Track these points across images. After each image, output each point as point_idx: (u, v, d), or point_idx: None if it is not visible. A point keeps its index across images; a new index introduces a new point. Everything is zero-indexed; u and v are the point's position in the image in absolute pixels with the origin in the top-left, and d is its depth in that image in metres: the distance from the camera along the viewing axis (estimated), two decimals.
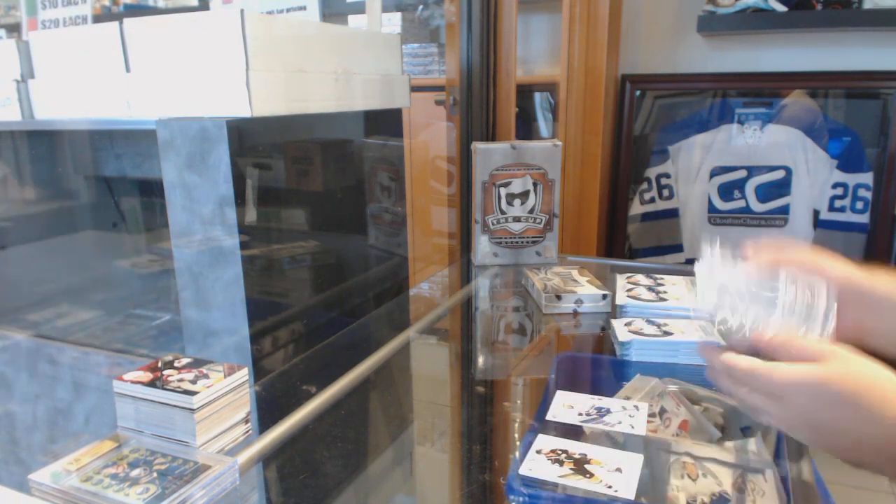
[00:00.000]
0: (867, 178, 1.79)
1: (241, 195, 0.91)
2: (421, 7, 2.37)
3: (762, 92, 1.91)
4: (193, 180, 0.92)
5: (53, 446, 1.21)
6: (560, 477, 0.63)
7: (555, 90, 2.00)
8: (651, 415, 0.75)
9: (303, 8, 1.23)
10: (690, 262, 1.97)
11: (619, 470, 0.64)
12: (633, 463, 0.65)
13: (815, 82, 1.87)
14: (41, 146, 1.35)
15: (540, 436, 0.70)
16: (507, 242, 1.41)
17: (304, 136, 1.10)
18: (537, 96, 2.21)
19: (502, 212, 1.39)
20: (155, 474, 0.62)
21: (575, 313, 1.13)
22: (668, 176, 2.01)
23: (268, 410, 0.84)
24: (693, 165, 1.99)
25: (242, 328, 0.94)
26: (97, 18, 1.42)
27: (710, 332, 0.95)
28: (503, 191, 1.38)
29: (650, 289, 1.14)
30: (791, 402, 0.53)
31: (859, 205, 1.80)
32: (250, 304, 0.94)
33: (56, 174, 1.37)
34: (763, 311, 0.60)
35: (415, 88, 1.40)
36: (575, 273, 1.26)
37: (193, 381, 0.69)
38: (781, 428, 0.57)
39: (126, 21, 0.96)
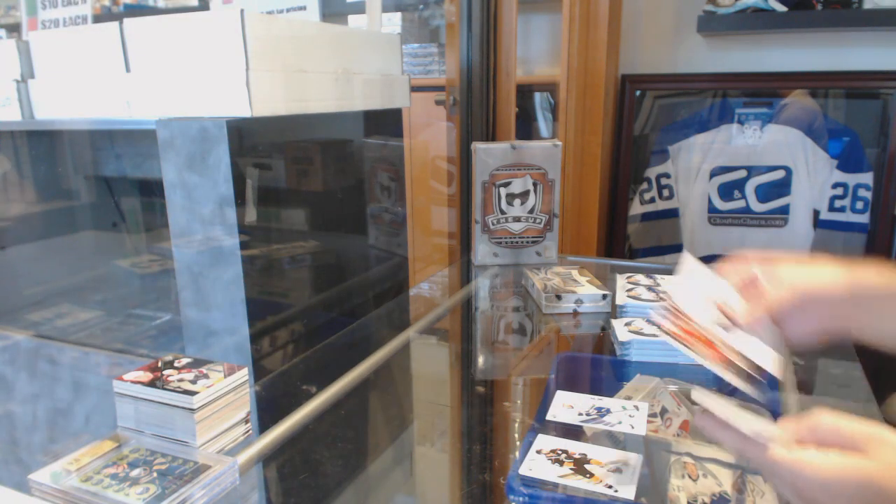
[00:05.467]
0: (867, 178, 1.79)
1: (241, 195, 0.91)
2: (421, 7, 2.37)
3: (762, 92, 1.91)
4: (193, 180, 0.92)
5: (53, 446, 1.21)
6: (560, 477, 0.63)
7: (555, 90, 1.99)
8: (652, 415, 0.75)
9: (303, 8, 1.23)
10: None
11: (619, 470, 0.64)
12: (633, 463, 0.65)
13: (815, 82, 1.87)
14: (41, 146, 1.35)
15: (540, 436, 0.70)
16: (507, 242, 1.41)
17: (304, 136, 1.10)
18: (537, 96, 2.21)
19: (502, 212, 1.39)
20: (155, 474, 0.62)
21: (575, 313, 1.13)
22: (668, 176, 2.01)
23: (268, 410, 0.84)
24: (693, 165, 1.99)
25: (242, 328, 0.94)
26: (97, 18, 1.41)
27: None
28: (503, 191, 1.38)
29: (650, 289, 1.14)
30: (829, 501, 0.45)
31: (859, 205, 1.80)
32: (250, 304, 0.94)
33: (56, 174, 1.37)
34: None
35: (415, 88, 1.40)
36: (575, 273, 1.26)
37: (193, 381, 0.69)
38: None
39: (126, 21, 0.96)
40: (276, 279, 1.04)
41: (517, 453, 0.69)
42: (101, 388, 1.12)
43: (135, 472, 0.62)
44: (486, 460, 0.74)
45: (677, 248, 2.03)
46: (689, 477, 0.64)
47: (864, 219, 1.80)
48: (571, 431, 0.72)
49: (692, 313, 0.61)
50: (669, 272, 1.25)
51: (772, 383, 0.86)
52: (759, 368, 0.59)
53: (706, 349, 0.59)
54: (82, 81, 1.03)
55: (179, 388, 0.68)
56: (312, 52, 1.03)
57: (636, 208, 2.06)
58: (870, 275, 0.59)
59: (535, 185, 1.37)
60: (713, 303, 0.62)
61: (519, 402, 0.90)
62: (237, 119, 0.90)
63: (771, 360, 0.59)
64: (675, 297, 0.63)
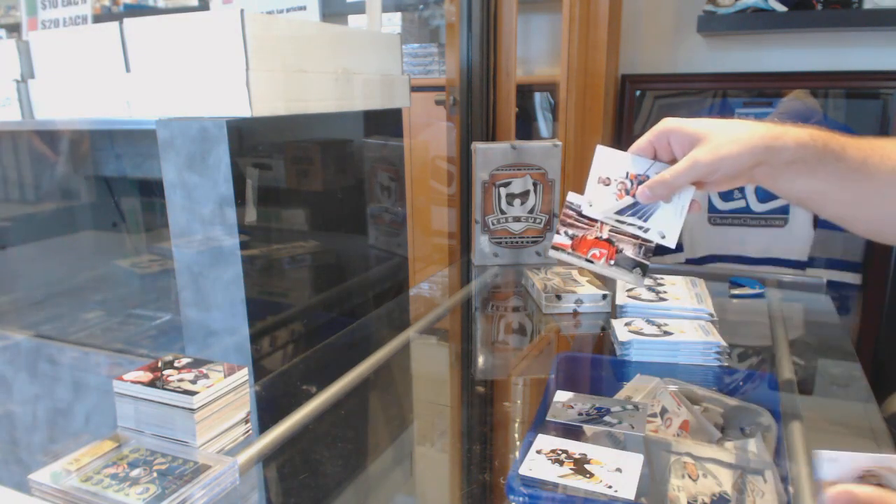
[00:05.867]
0: None
1: (241, 195, 0.91)
2: (421, 7, 2.37)
3: (762, 92, 1.91)
4: (193, 180, 0.92)
5: (53, 446, 1.21)
6: (560, 477, 0.63)
7: (555, 90, 1.99)
8: (652, 415, 0.75)
9: (303, 8, 1.23)
10: (691, 261, 1.98)
11: (619, 470, 0.64)
12: (633, 463, 0.65)
13: (815, 82, 1.87)
14: (41, 146, 1.35)
15: (540, 436, 0.70)
16: (507, 242, 1.41)
17: (304, 136, 1.10)
18: (537, 96, 2.21)
19: (502, 212, 1.39)
20: (155, 474, 0.62)
21: (575, 313, 1.13)
22: None
23: (268, 410, 0.84)
24: None
25: (242, 328, 0.94)
26: (97, 18, 1.42)
27: (709, 331, 0.95)
28: (503, 191, 1.38)
29: (650, 289, 1.14)
30: None
31: None
32: (250, 304, 0.94)
33: (56, 174, 1.37)
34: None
35: (415, 88, 1.40)
36: (575, 273, 1.26)
37: (193, 381, 0.69)
38: None
39: (126, 21, 0.96)
40: (276, 279, 1.04)
41: (517, 453, 0.69)
42: (101, 388, 1.12)
43: (135, 472, 0.62)
44: (486, 460, 0.74)
45: (677, 248, 2.03)
46: (689, 477, 0.64)
47: None
48: (571, 431, 0.72)
49: (592, 210, 0.71)
50: (670, 272, 1.25)
51: (772, 384, 0.86)
52: (648, 249, 0.70)
53: (598, 249, 0.70)
54: (82, 81, 1.03)
55: (179, 388, 0.68)
56: (312, 52, 1.03)
57: None
58: (787, 140, 0.64)
59: (535, 185, 1.37)
60: (621, 183, 0.70)
61: (519, 402, 0.90)
62: (237, 119, 0.90)
63: (669, 234, 0.70)
64: (574, 202, 0.73)
